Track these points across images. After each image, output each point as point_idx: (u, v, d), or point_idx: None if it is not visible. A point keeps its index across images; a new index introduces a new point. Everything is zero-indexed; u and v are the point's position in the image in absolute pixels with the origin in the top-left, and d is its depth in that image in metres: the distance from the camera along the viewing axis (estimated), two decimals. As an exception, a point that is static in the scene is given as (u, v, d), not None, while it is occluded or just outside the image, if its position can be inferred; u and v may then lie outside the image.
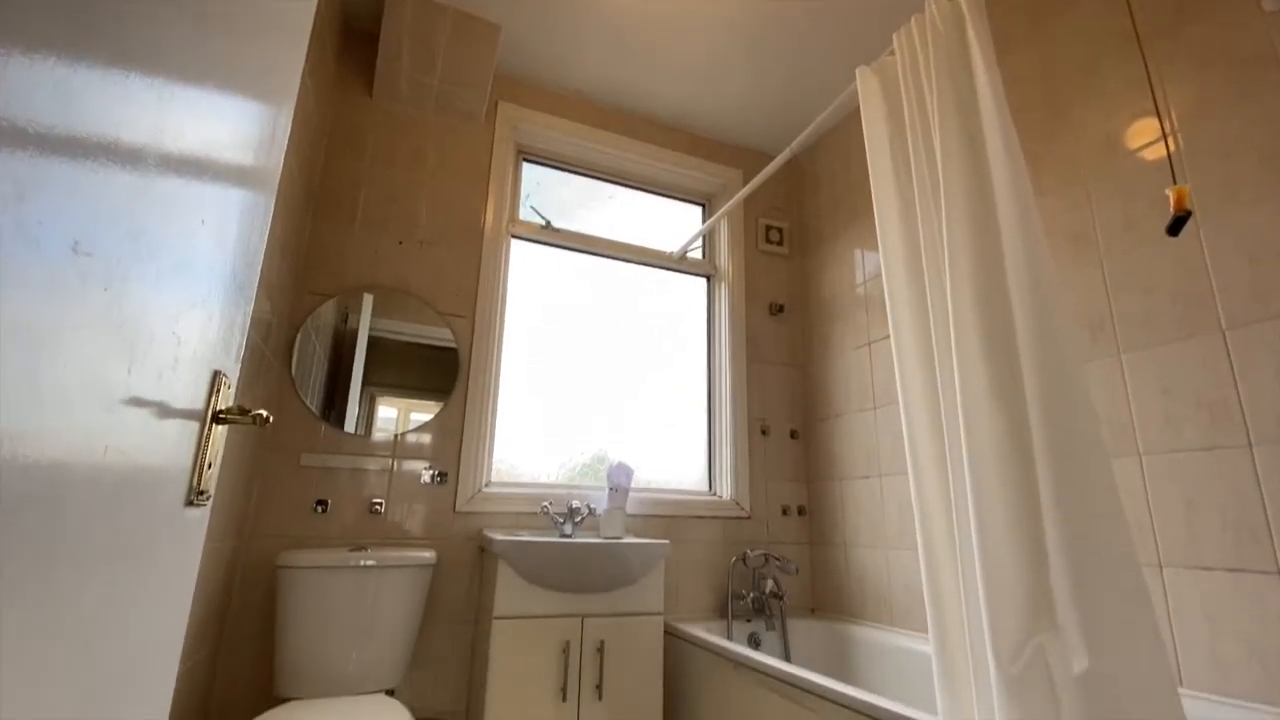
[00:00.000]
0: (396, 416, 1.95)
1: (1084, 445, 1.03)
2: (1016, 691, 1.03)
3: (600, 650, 1.65)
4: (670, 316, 2.53)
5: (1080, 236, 1.56)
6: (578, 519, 1.92)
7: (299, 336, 1.85)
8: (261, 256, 0.78)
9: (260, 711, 1.33)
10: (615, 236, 2.47)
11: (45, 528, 0.39)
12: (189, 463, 0.62)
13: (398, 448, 1.91)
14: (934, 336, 1.31)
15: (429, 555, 1.68)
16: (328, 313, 1.92)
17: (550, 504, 1.96)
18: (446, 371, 2.02)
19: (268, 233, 0.79)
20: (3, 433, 0.34)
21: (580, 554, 1.67)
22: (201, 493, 0.65)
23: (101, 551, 0.47)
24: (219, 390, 0.66)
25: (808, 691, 1.33)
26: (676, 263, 2.54)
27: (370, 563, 1.58)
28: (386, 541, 1.81)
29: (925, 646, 1.76)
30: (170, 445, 0.57)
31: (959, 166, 1.25)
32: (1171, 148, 1.40)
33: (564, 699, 1.59)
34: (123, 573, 0.51)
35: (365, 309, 1.97)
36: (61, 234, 0.38)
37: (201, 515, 0.68)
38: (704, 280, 2.63)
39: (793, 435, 2.51)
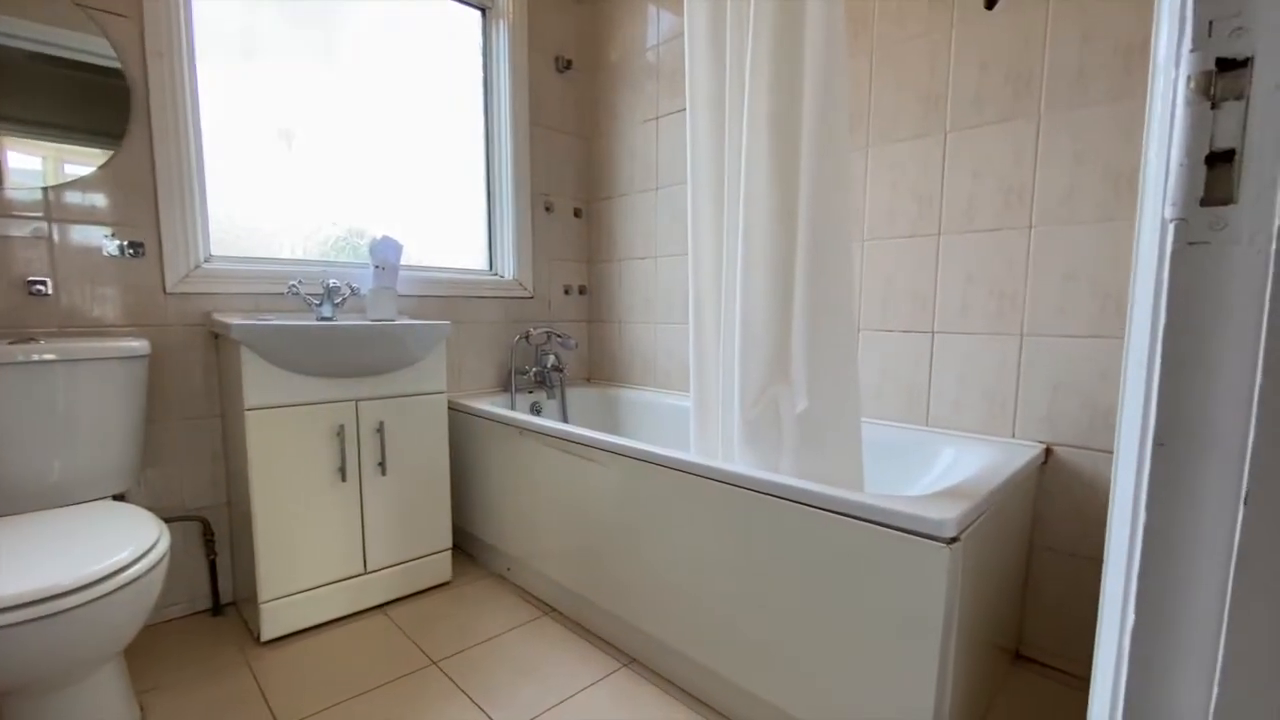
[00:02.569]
0: (44, 168, 1.39)
1: (837, 228, 1.16)
2: (753, 429, 1.27)
3: (380, 431, 1.60)
4: (441, 68, 2.10)
5: (862, 22, 1.59)
6: (337, 300, 1.69)
7: None
8: None
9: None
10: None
11: None
12: None
13: (53, 208, 1.39)
14: (727, 109, 1.29)
15: (138, 345, 1.36)
16: None
17: (300, 283, 1.69)
18: (112, 104, 1.44)
19: None
20: None
21: (346, 337, 1.51)
22: None
23: None
24: None
25: (581, 444, 1.48)
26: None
27: (49, 356, 1.23)
28: (69, 330, 1.41)
29: (684, 402, 2.07)
30: None
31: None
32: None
33: (344, 479, 1.55)
34: None
35: (-69, -17, 1.24)
36: None
37: None
38: (479, 14, 2.17)
39: (576, 214, 2.45)
